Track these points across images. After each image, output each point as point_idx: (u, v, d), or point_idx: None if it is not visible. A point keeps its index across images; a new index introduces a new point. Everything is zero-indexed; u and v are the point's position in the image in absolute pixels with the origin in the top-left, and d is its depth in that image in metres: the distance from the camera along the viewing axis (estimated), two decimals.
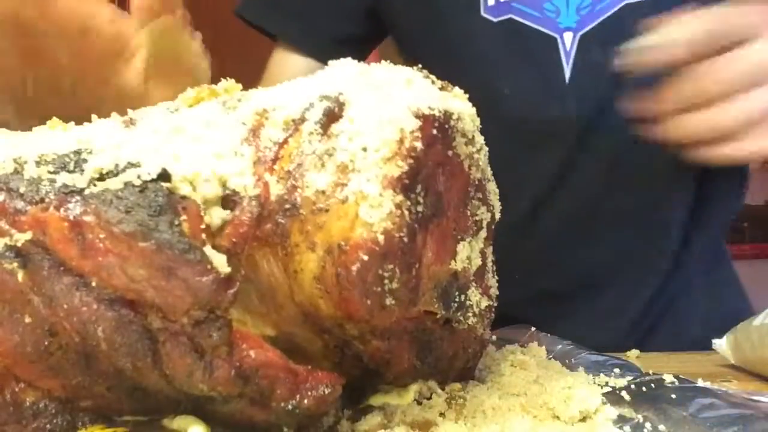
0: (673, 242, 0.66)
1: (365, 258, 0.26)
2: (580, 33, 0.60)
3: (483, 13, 0.62)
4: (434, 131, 0.29)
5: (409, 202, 0.28)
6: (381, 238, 0.26)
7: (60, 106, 0.36)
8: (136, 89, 0.39)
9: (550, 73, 0.61)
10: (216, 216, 0.27)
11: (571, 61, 0.61)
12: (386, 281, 0.27)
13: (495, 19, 0.61)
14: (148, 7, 0.37)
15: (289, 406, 0.28)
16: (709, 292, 0.69)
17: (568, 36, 0.61)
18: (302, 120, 0.29)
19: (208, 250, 0.26)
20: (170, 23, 0.38)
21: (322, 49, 0.70)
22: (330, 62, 0.33)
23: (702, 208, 0.67)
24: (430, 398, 0.34)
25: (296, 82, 0.32)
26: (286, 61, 0.73)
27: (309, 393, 0.28)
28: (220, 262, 0.26)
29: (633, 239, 0.65)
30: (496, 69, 0.62)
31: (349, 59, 0.33)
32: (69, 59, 0.37)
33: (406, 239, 0.27)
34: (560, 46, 0.61)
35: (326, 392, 0.29)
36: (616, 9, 0.60)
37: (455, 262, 0.33)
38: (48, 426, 0.29)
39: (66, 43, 0.36)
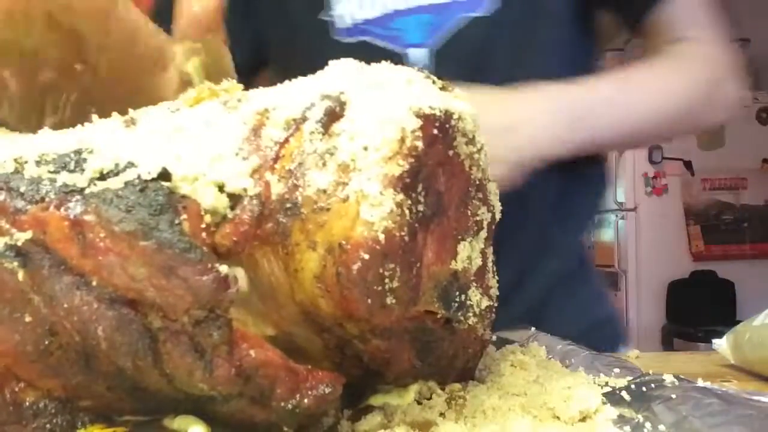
0: (531, 239, 0.67)
1: (366, 257, 0.26)
2: (429, 48, 0.64)
3: (335, 36, 0.66)
4: (435, 131, 0.29)
5: (409, 201, 0.28)
6: (382, 237, 0.26)
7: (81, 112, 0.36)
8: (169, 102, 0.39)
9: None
10: (217, 215, 0.27)
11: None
12: (387, 280, 0.27)
13: (348, 41, 0.66)
14: (195, 24, 0.37)
15: (290, 406, 0.28)
16: (569, 293, 0.70)
17: (414, 52, 0.65)
18: (303, 119, 0.29)
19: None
20: (215, 42, 0.38)
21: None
22: (331, 62, 0.33)
23: (562, 205, 0.68)
24: (430, 398, 0.34)
25: (297, 82, 0.32)
26: None
27: (309, 392, 0.28)
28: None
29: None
30: None
31: (350, 59, 0.33)
32: (109, 71, 0.37)
33: (406, 238, 0.27)
34: (408, 62, 0.64)
35: (326, 391, 0.29)
36: (460, 24, 0.63)
37: (456, 261, 0.33)
38: (48, 426, 0.29)
39: (112, 55, 0.36)
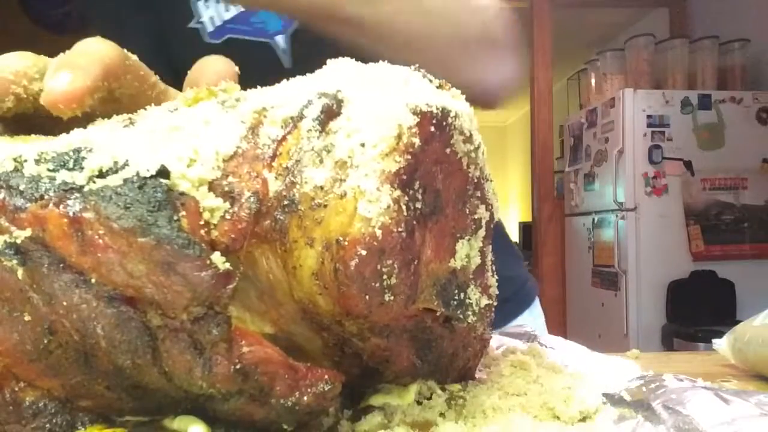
0: None
1: (363, 253, 0.26)
2: (290, 32, 0.69)
3: (207, 40, 0.70)
4: (432, 128, 0.29)
5: (407, 198, 0.28)
6: (379, 233, 0.26)
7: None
8: None
9: (274, 73, 0.65)
10: (215, 213, 0.27)
11: (289, 58, 0.69)
12: (385, 276, 0.27)
13: (218, 41, 0.70)
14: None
15: (289, 403, 0.28)
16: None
17: (279, 38, 0.70)
18: (300, 117, 0.29)
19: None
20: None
21: None
22: (328, 61, 0.33)
23: None
24: (430, 398, 0.34)
25: (295, 81, 0.32)
26: None
27: (308, 390, 0.28)
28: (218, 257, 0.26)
29: None
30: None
31: (346, 58, 0.33)
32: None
33: (404, 234, 0.27)
34: (276, 48, 0.69)
35: (326, 389, 0.29)
36: None
37: (454, 260, 0.33)
38: (47, 425, 0.29)
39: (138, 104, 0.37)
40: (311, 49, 0.62)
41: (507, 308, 0.58)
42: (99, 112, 0.33)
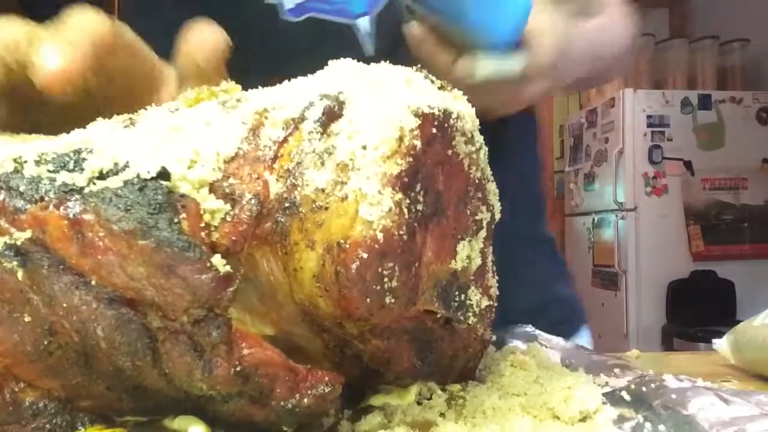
0: None
1: (364, 256, 0.26)
2: (375, 14, 0.65)
3: (286, 17, 0.66)
4: (434, 130, 0.29)
5: (408, 201, 0.28)
6: (380, 236, 0.26)
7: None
8: None
9: (354, 56, 0.64)
10: (215, 215, 0.27)
11: (372, 42, 0.66)
12: (386, 279, 0.27)
13: (296, 20, 0.66)
14: (193, 66, 0.35)
15: (289, 405, 0.28)
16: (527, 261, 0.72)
17: (363, 21, 0.65)
18: (302, 119, 0.29)
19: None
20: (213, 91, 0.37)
21: None
22: (330, 62, 0.33)
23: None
24: (430, 398, 0.34)
25: (296, 82, 0.32)
26: None
27: (309, 391, 0.28)
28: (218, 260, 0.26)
29: None
30: (303, 65, 0.66)
31: (348, 60, 0.33)
32: (111, 90, 0.36)
33: (405, 237, 0.27)
34: (358, 32, 0.66)
35: (326, 391, 0.29)
36: None
37: (455, 261, 0.33)
38: (47, 426, 0.29)
39: (115, 74, 0.35)
40: (397, 36, 0.60)
41: (560, 329, 0.56)
42: (91, 87, 0.32)
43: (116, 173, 0.26)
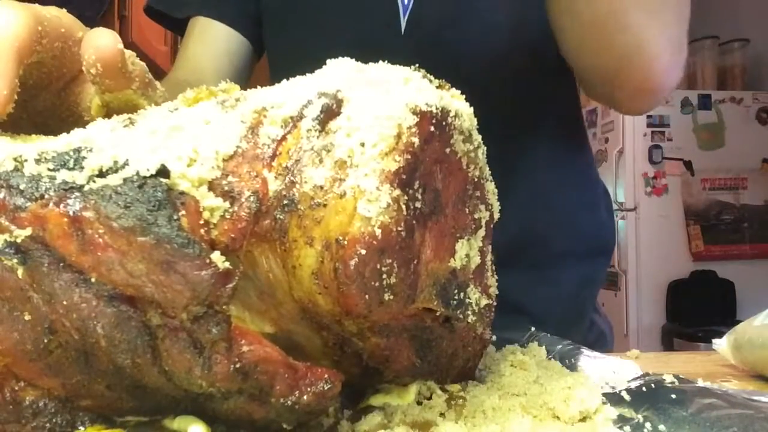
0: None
1: (363, 252, 0.26)
2: None
3: None
4: (432, 128, 0.29)
5: (406, 197, 0.28)
6: (378, 232, 0.26)
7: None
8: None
9: (387, 23, 0.64)
10: (215, 212, 0.27)
11: (408, 13, 0.64)
12: (384, 276, 0.27)
13: None
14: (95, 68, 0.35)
15: (289, 402, 0.28)
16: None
17: None
18: (300, 117, 0.29)
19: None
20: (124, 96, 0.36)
21: (238, 21, 0.74)
22: (328, 61, 0.33)
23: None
24: (430, 398, 0.34)
25: (294, 81, 0.32)
26: (207, 33, 0.74)
27: (308, 389, 0.28)
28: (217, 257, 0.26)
29: None
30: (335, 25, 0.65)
31: (346, 58, 0.33)
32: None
33: (403, 234, 0.27)
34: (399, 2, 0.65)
35: (326, 388, 0.29)
36: None
37: (454, 259, 0.33)
38: (47, 425, 0.29)
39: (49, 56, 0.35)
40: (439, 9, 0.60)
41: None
42: (25, 78, 0.31)
43: (116, 171, 0.26)
